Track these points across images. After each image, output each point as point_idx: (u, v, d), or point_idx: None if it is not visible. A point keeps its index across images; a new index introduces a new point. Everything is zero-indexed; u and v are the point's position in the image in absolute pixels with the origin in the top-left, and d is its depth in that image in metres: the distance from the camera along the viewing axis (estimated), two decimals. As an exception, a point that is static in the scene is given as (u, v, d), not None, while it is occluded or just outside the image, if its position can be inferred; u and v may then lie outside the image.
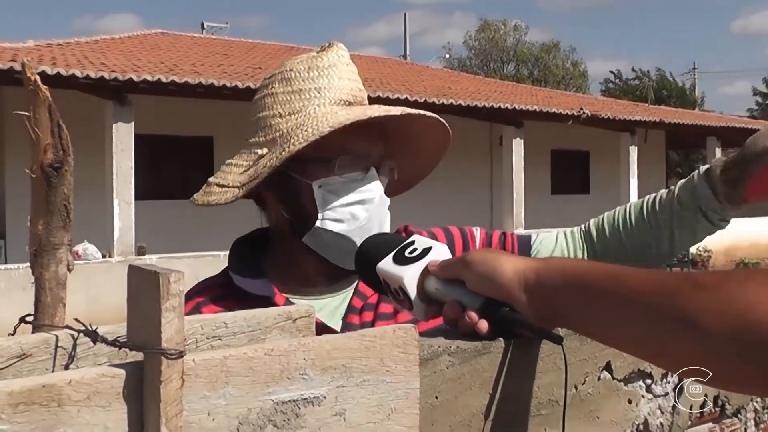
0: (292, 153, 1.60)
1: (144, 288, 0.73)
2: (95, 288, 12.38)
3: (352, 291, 1.71)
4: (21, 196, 13.81)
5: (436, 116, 1.72)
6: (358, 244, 1.59)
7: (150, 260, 14.28)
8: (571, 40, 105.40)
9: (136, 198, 14.78)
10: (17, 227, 15.66)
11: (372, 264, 1.26)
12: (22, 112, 0.92)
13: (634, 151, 22.85)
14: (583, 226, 1.77)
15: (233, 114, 17.25)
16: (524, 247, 1.68)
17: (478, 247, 1.73)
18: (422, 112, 1.70)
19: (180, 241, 16.28)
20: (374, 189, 1.67)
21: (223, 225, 17.68)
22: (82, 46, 18.33)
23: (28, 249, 0.99)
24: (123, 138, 14.58)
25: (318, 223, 1.67)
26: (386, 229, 1.69)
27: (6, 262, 14.88)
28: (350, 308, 1.68)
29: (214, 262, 14.18)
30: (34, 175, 0.95)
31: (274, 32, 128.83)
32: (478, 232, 1.78)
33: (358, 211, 1.67)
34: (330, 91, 1.70)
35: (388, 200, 1.71)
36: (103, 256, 14.52)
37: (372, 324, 1.62)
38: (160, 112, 16.59)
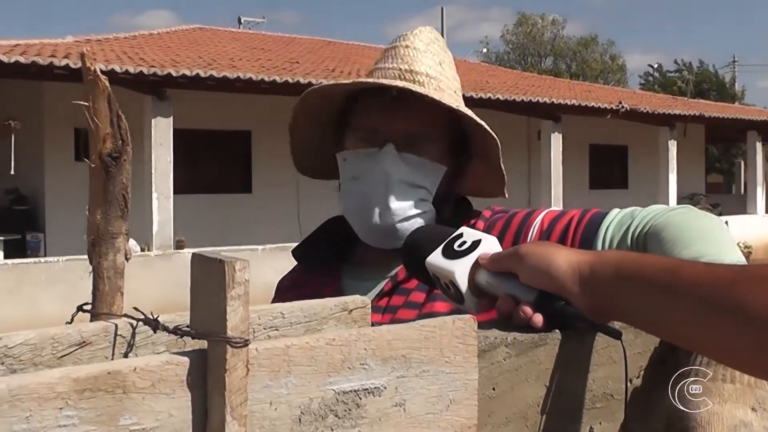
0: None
1: (208, 276, 0.73)
2: (134, 281, 12.38)
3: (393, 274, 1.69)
4: (60, 190, 14.01)
5: (421, 92, 1.64)
6: (364, 220, 1.66)
7: (189, 254, 14.34)
8: (607, 33, 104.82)
9: (175, 192, 14.88)
10: (56, 221, 15.84)
11: (420, 258, 1.25)
12: (82, 102, 0.92)
13: (673, 146, 22.65)
14: (642, 227, 1.48)
15: (271, 108, 17.32)
16: (587, 240, 1.57)
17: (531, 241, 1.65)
18: (415, 89, 1.63)
19: (218, 234, 16.38)
20: (374, 166, 1.65)
21: (261, 219, 17.82)
22: (121, 41, 18.47)
23: (86, 238, 0.99)
24: (162, 132, 14.69)
25: (339, 195, 1.73)
26: (394, 207, 1.64)
27: (46, 255, 15.03)
28: (380, 292, 1.66)
29: (252, 256, 14.23)
30: (93, 165, 0.95)
31: (310, 27, 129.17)
32: (535, 230, 1.62)
33: (354, 186, 1.68)
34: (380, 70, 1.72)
35: (401, 177, 1.65)
36: (142, 250, 14.63)
37: (397, 309, 1.60)
38: (198, 107, 16.67)
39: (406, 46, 1.71)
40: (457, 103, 1.69)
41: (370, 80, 1.67)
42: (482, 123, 1.66)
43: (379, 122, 1.68)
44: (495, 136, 1.68)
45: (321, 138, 1.80)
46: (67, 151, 16.30)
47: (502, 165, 1.73)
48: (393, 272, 1.69)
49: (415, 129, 1.67)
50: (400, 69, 1.68)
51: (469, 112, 1.65)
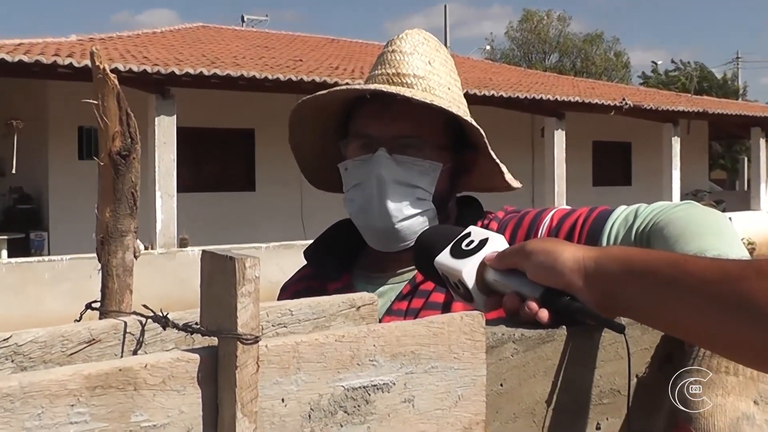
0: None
1: (219, 273, 0.73)
2: (137, 279, 12.27)
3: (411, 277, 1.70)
4: (63, 189, 13.97)
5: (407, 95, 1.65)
6: (367, 225, 1.69)
7: (192, 252, 14.38)
8: (608, 30, 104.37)
9: (178, 190, 14.86)
10: (60, 220, 15.84)
11: (429, 258, 1.26)
12: (91, 100, 0.93)
13: (676, 142, 22.63)
14: (646, 224, 1.51)
15: (275, 106, 17.30)
16: (593, 237, 1.60)
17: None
18: (395, 91, 1.65)
19: (221, 233, 16.38)
20: (371, 171, 1.67)
21: (264, 218, 17.80)
22: (124, 40, 18.48)
23: (94, 236, 1.00)
24: (165, 131, 14.67)
25: (344, 204, 1.76)
26: (391, 208, 1.66)
27: (49, 254, 15.04)
28: (399, 294, 1.68)
29: (256, 253, 14.11)
30: (102, 163, 0.96)
31: (312, 25, 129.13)
32: (544, 227, 1.66)
33: (354, 194, 1.71)
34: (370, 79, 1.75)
35: (395, 178, 1.66)
36: (146, 248, 14.62)
37: (418, 311, 1.61)
38: (202, 105, 16.67)
39: (392, 51, 1.74)
40: (448, 99, 1.71)
41: (344, 87, 1.71)
42: (460, 113, 1.68)
43: (371, 128, 1.71)
44: (478, 126, 1.70)
45: (325, 150, 1.84)
46: (71, 149, 16.31)
47: (492, 153, 1.74)
48: (404, 274, 1.72)
49: (405, 130, 1.70)
50: (388, 74, 1.71)
51: (446, 106, 1.67)
